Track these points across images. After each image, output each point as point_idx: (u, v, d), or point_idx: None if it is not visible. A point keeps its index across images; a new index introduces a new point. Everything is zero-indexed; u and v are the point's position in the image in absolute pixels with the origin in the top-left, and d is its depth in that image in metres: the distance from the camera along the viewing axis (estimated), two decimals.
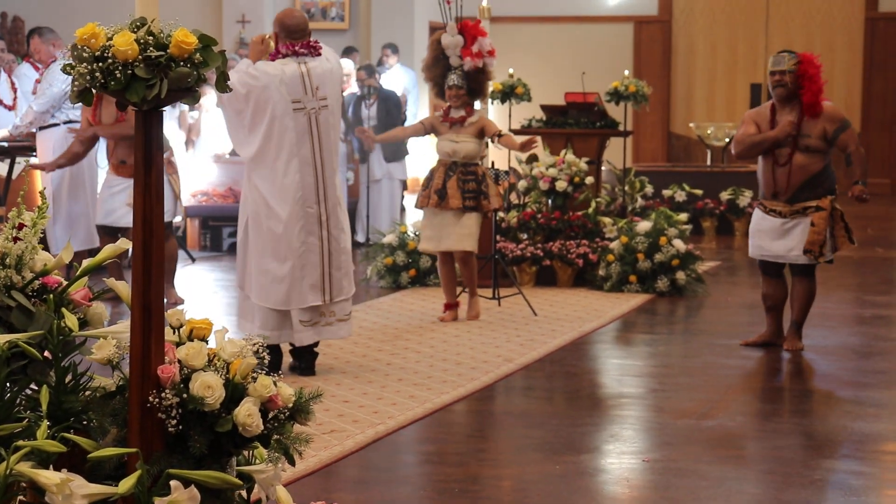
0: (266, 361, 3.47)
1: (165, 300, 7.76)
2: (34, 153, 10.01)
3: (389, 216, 12.82)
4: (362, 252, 11.64)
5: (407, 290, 10.27)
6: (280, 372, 6.94)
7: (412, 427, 6.17)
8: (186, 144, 12.44)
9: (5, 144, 10.17)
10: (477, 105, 8.99)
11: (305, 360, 7.19)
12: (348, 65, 14.32)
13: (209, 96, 12.18)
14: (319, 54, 7.07)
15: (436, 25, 14.89)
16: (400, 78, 15.90)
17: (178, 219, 10.35)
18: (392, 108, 13.43)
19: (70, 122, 9.60)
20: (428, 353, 7.86)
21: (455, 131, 8.75)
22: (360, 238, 12.90)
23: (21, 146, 10.06)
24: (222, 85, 3.37)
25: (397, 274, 10.39)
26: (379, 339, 8.30)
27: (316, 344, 7.20)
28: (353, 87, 13.90)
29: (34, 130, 9.95)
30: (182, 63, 3.20)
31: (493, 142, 8.94)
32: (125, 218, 9.02)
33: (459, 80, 8.68)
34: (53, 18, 13.10)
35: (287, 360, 7.24)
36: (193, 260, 11.72)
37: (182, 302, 9.30)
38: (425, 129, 9.02)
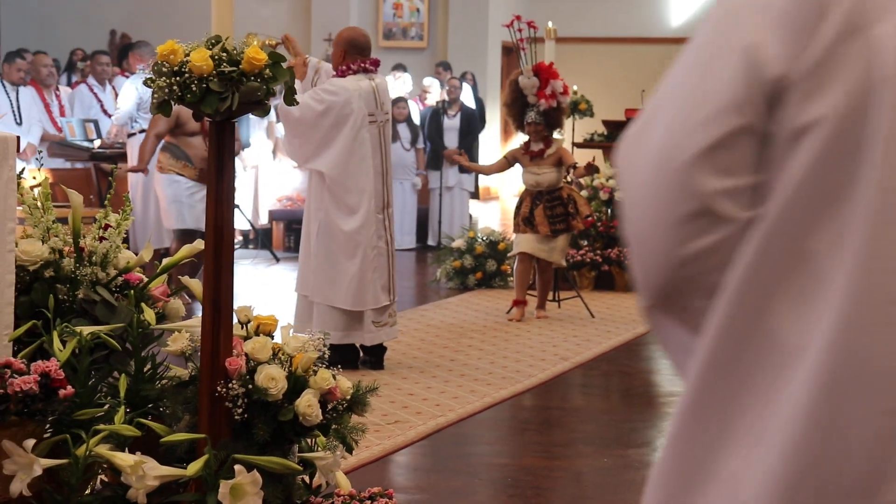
0: (326, 356, 3.48)
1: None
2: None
3: (459, 222, 12.82)
4: (433, 255, 11.64)
5: (473, 291, 10.25)
6: (358, 365, 7.00)
7: (471, 419, 6.15)
8: (273, 153, 12.52)
9: (106, 152, 10.32)
10: (556, 134, 9.02)
11: (375, 354, 7.19)
12: (431, 83, 14.37)
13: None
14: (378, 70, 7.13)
15: (508, 46, 14.87)
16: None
17: None
18: (473, 122, 13.49)
19: (144, 131, 9.67)
20: (490, 350, 7.83)
21: (536, 164, 8.82)
22: (432, 242, 12.91)
23: (121, 153, 10.20)
24: (290, 98, 3.39)
25: (465, 276, 10.38)
26: (445, 336, 8.29)
27: None
28: (430, 102, 13.97)
29: (125, 139, 10.08)
30: (253, 78, 3.22)
31: (567, 173, 8.98)
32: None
33: (537, 117, 8.73)
34: (161, 36, 13.25)
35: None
36: (278, 260, 11.80)
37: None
38: (509, 162, 9.11)
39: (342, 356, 6.86)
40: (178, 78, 3.20)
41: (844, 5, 1.37)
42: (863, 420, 1.33)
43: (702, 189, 1.40)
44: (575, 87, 11.71)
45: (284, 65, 3.29)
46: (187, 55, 3.21)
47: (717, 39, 1.43)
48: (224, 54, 3.21)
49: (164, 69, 3.22)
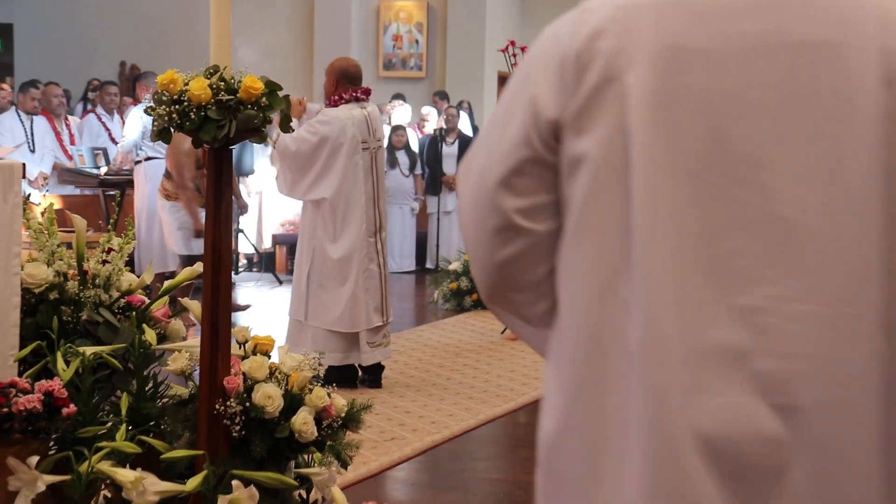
0: (321, 375, 3.46)
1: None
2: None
3: (456, 246, 12.82)
4: (430, 278, 11.62)
5: (470, 312, 10.23)
6: (357, 384, 6.99)
7: (466, 436, 6.13)
8: (277, 179, 12.51)
9: (113, 178, 10.34)
10: None
11: (373, 373, 7.17)
12: (429, 111, 14.43)
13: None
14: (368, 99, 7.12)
15: (504, 75, 14.86)
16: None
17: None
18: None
19: (150, 158, 9.71)
20: (485, 369, 7.82)
21: None
22: (430, 265, 12.90)
23: (128, 180, 10.21)
24: (286, 126, 3.39)
25: (461, 297, 10.36)
26: (441, 355, 8.27)
27: None
28: (428, 130, 14.00)
29: (131, 166, 10.13)
30: (250, 106, 3.22)
31: None
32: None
33: None
34: (169, 67, 13.27)
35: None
36: (280, 282, 11.79)
37: (247, 307, 9.40)
38: None
39: (342, 376, 6.86)
40: (177, 106, 3.20)
41: (603, 59, 1.63)
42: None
43: (503, 207, 1.70)
44: None
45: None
46: (186, 84, 3.21)
47: (516, 88, 1.73)
48: (222, 83, 3.21)
49: (164, 98, 3.21)
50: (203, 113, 3.19)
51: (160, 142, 3.38)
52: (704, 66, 1.61)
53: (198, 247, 8.77)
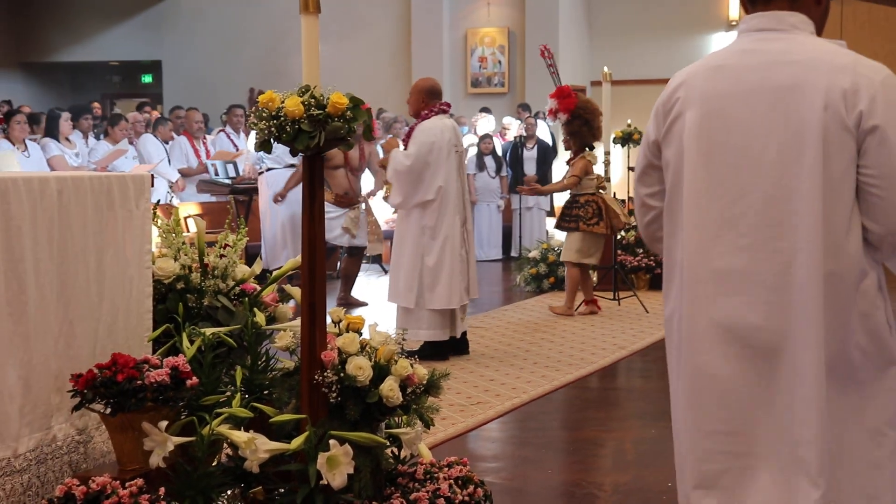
0: (404, 348, 3.45)
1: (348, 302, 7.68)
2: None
3: (537, 236, 12.74)
4: (514, 264, 11.57)
5: (547, 293, 10.17)
6: (447, 356, 7.00)
7: (542, 400, 6.09)
8: (389, 196, 12.57)
9: (241, 186, 10.48)
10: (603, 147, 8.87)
11: (463, 338, 7.20)
12: (510, 121, 14.37)
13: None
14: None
15: (575, 87, 14.69)
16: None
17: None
18: (548, 153, 13.37)
19: (270, 169, 9.80)
20: (559, 341, 7.75)
21: (568, 171, 8.78)
22: (514, 253, 12.84)
23: (253, 188, 10.33)
24: (369, 135, 3.38)
25: (540, 281, 10.30)
26: (522, 331, 8.23)
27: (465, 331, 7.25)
28: (508, 137, 13.92)
29: (256, 176, 10.25)
30: (336, 119, 3.21)
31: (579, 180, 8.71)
32: (339, 238, 9.26)
33: (564, 132, 8.65)
34: (288, 89, 13.41)
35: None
36: (386, 272, 11.82)
37: (364, 304, 9.43)
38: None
39: (443, 349, 6.93)
40: (275, 121, 3.21)
41: (679, 102, 2.42)
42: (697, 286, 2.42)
43: (640, 193, 2.58)
44: (629, 121, 11.56)
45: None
46: (283, 102, 3.22)
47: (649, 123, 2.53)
48: (312, 100, 3.21)
49: (264, 114, 3.23)
50: (297, 126, 3.19)
51: (277, 154, 3.38)
52: (727, 103, 2.35)
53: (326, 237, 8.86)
